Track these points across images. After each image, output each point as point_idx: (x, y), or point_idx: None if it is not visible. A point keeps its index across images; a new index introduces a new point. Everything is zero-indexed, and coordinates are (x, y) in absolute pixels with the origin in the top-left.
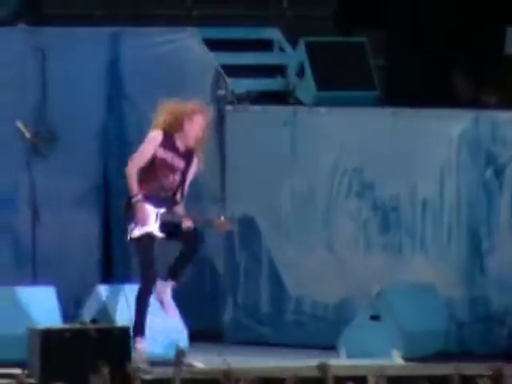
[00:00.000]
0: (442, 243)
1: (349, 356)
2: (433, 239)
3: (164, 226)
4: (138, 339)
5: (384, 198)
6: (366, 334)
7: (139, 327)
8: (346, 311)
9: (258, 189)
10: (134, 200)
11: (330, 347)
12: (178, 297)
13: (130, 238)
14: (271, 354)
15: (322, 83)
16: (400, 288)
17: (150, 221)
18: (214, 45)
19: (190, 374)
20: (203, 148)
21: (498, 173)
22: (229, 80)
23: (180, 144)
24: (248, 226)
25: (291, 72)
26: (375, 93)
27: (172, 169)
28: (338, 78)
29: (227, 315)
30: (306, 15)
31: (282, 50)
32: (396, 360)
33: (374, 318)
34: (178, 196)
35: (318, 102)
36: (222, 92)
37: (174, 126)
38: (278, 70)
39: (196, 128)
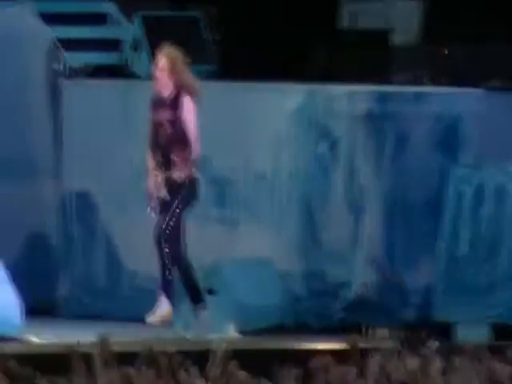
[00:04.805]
0: (277, 217)
1: (184, 330)
2: (268, 213)
3: None
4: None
5: (220, 171)
6: None
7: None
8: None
9: (95, 162)
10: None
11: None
12: (10, 272)
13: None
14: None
15: None
16: (235, 262)
17: None
18: (49, 18)
19: (28, 350)
20: None
21: (332, 147)
22: (65, 53)
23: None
24: (84, 199)
25: (127, 46)
26: (211, 67)
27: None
28: None
29: (61, 290)
30: None
31: (117, 23)
32: (231, 334)
33: (210, 291)
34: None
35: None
36: (57, 66)
37: None
38: (113, 44)
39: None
